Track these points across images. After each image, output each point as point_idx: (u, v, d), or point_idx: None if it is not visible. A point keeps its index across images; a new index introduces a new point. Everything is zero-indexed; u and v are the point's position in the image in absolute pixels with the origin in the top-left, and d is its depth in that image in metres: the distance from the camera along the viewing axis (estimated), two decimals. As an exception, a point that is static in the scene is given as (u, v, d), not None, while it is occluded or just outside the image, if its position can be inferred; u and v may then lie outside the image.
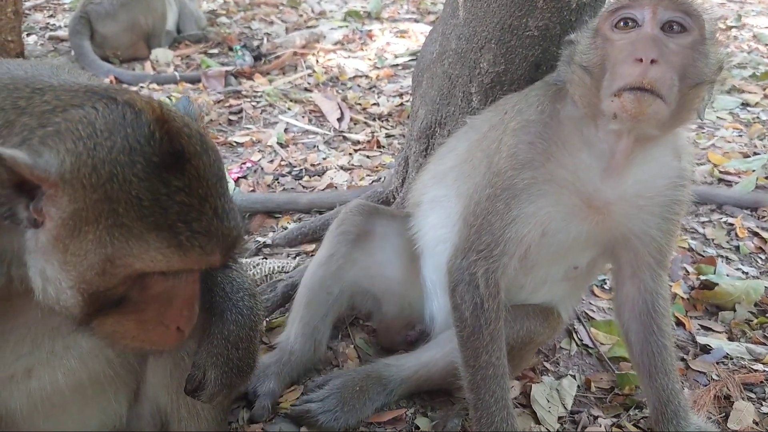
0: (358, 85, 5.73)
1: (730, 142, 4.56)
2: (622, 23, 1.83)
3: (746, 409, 2.36)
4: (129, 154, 1.24)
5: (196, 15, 6.97)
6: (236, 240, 1.39)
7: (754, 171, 4.04)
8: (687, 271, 3.20)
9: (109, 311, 1.34)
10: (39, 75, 1.48)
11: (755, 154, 4.35)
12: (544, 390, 2.45)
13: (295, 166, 4.23)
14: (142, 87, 5.47)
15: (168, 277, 1.36)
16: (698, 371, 2.59)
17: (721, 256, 3.33)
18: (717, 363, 2.62)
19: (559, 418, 2.37)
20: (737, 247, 3.41)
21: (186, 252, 1.29)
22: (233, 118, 4.98)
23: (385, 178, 3.84)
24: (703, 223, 3.61)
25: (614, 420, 2.37)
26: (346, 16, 7.81)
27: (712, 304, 2.99)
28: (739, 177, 4.06)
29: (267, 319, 2.79)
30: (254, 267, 3.07)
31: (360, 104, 5.26)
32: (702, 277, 3.11)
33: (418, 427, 2.31)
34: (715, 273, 3.14)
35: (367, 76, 5.92)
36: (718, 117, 4.96)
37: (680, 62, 1.76)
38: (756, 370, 2.58)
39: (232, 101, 5.24)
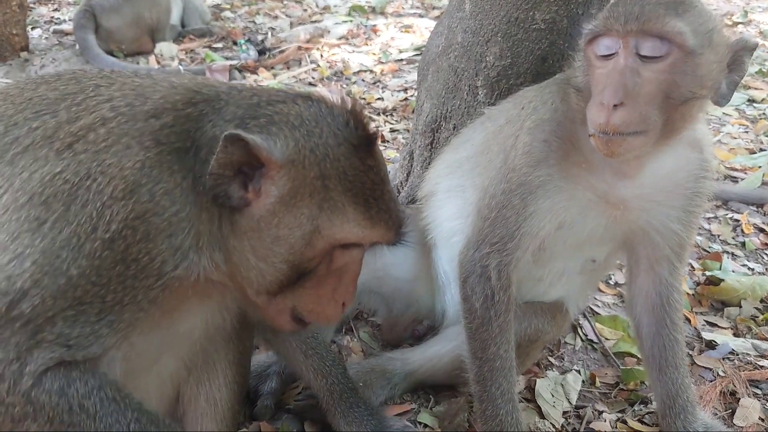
0: (363, 80, 5.72)
1: (736, 138, 4.54)
2: (601, 49, 1.77)
3: (752, 405, 2.35)
4: (335, 138, 1.49)
5: (201, 9, 6.96)
6: (404, 221, 1.61)
7: (760, 167, 4.03)
8: (693, 267, 3.19)
9: (295, 285, 1.52)
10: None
11: (761, 150, 4.33)
12: (548, 385, 2.45)
13: (299, 161, 4.22)
14: (146, 81, 5.46)
15: (350, 251, 1.55)
16: (704, 367, 2.58)
17: (727, 252, 3.32)
18: (722, 359, 2.61)
19: (564, 412, 2.36)
20: (743, 243, 3.39)
21: (374, 225, 1.52)
22: (237, 112, 4.97)
23: (389, 172, 3.84)
24: (708, 219, 3.60)
25: (619, 415, 2.36)
26: (350, 10, 7.80)
27: (717, 300, 2.98)
28: (745, 173, 4.05)
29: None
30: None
31: (364, 99, 5.25)
32: (708, 273, 3.09)
33: (424, 425, 2.30)
34: (720, 269, 3.12)
35: (371, 71, 5.91)
36: (724, 113, 4.93)
37: (658, 88, 1.70)
38: (762, 367, 2.57)
39: (236, 95, 5.22)
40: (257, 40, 6.48)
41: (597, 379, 2.51)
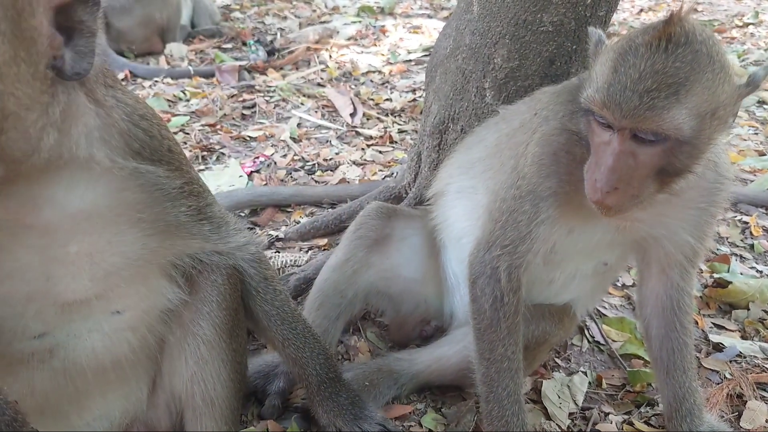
0: (371, 81, 5.73)
1: (745, 140, 4.52)
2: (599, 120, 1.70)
3: (759, 408, 2.35)
4: None
5: (210, 10, 7.00)
6: None
7: (769, 169, 4.01)
8: (700, 269, 3.17)
9: None
10: None
11: (771, 152, 4.32)
12: (555, 386, 2.45)
13: (307, 161, 4.25)
14: (156, 81, 5.51)
15: None
16: (711, 369, 2.57)
17: (735, 255, 3.31)
18: (730, 362, 2.60)
19: (570, 414, 2.36)
20: (752, 246, 3.38)
21: None
22: (246, 112, 5.00)
23: (397, 173, 3.85)
24: (717, 221, 3.58)
25: (625, 417, 2.36)
26: (359, 11, 7.82)
27: (725, 302, 2.97)
28: (755, 175, 4.03)
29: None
30: (267, 260, 3.09)
31: (373, 99, 5.27)
32: (716, 276, 3.09)
33: (428, 430, 2.32)
34: (728, 271, 3.12)
35: (380, 72, 5.93)
36: (733, 115, 4.91)
37: (653, 168, 1.65)
38: (769, 369, 2.57)
39: (245, 96, 5.26)
40: (266, 41, 6.51)
41: (603, 380, 2.52)
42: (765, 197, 3.73)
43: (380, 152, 4.37)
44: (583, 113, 1.75)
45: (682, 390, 2.10)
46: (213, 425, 1.84)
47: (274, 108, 5.08)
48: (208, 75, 5.63)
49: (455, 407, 2.37)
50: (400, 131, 4.72)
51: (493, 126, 2.39)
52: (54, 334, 1.64)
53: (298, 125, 4.77)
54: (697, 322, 2.82)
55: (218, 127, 4.70)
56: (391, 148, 4.44)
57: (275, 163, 4.21)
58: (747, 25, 7.33)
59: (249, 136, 4.58)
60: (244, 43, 6.53)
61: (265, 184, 3.94)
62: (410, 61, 6.22)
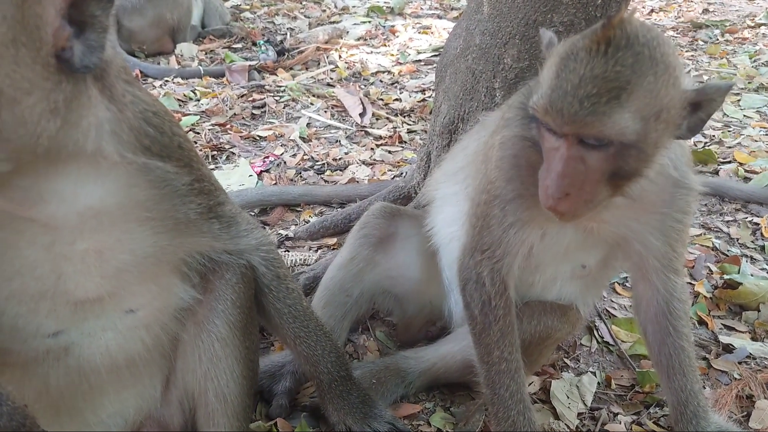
0: (381, 81, 5.75)
1: (756, 141, 4.49)
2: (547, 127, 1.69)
3: (768, 409, 2.34)
4: None
5: (221, 10, 7.03)
6: None
7: (780, 170, 3.98)
8: (710, 270, 3.17)
9: None
10: None
11: (782, 153, 4.29)
12: (563, 386, 2.45)
13: (317, 161, 4.26)
14: (166, 81, 5.54)
15: None
16: (720, 370, 2.57)
17: (746, 256, 3.29)
18: (739, 363, 2.59)
19: (579, 414, 2.36)
20: (762, 247, 3.36)
21: None
22: (256, 112, 5.03)
23: (406, 173, 3.86)
24: (727, 222, 3.57)
25: (634, 417, 2.36)
26: (369, 11, 7.83)
27: (735, 303, 2.96)
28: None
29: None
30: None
31: (382, 99, 5.28)
32: (726, 277, 3.07)
33: (437, 429, 2.32)
34: (739, 272, 3.10)
35: (389, 72, 5.94)
36: (744, 115, 4.89)
37: (602, 169, 1.63)
38: (779, 371, 2.55)
39: (255, 96, 5.28)
40: (276, 41, 6.53)
41: (612, 381, 2.51)
42: (764, 194, 3.71)
43: (389, 152, 4.39)
44: (532, 119, 1.73)
45: (684, 393, 2.10)
46: (225, 422, 1.86)
47: (284, 108, 5.10)
48: (219, 75, 5.66)
49: (464, 406, 2.37)
50: (410, 131, 4.73)
51: (474, 134, 2.41)
52: (68, 332, 1.66)
53: (308, 125, 4.79)
54: (707, 324, 2.82)
55: (228, 126, 4.72)
56: (401, 148, 4.45)
57: (285, 162, 4.23)
58: (759, 25, 7.28)
59: (259, 136, 4.60)
60: (254, 43, 6.55)
61: (275, 184, 3.96)
62: (420, 61, 6.23)
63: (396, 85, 5.68)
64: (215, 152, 4.33)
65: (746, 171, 4.04)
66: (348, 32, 6.94)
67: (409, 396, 2.41)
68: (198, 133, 4.57)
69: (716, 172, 4.06)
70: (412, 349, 2.51)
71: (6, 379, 1.59)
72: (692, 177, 1.93)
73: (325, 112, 5.04)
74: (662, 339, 2.10)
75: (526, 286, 2.20)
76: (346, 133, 4.69)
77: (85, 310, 1.63)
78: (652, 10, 8.21)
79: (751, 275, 3.08)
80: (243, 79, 5.56)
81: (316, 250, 3.30)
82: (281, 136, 4.61)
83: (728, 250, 3.34)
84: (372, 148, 4.43)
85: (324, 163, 4.22)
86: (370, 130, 4.73)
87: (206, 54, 6.40)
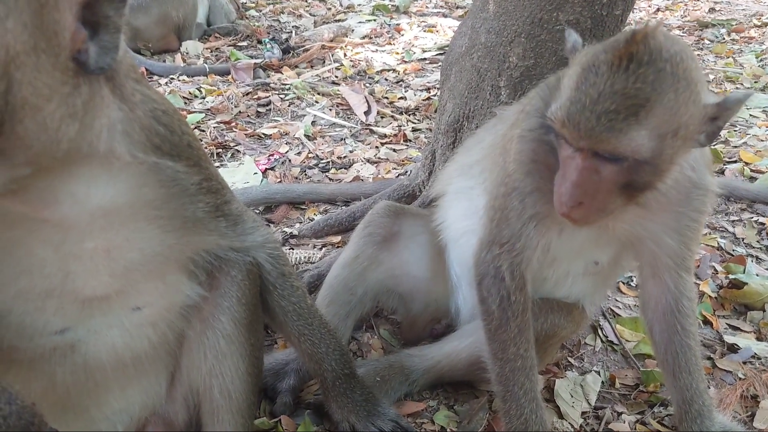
0: (386, 79, 5.75)
1: (762, 140, 4.48)
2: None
3: (773, 409, 2.34)
4: None
5: (226, 8, 7.04)
6: None
7: (787, 170, 3.97)
8: (716, 270, 3.16)
9: None
10: None
11: (789, 153, 4.27)
12: (567, 385, 2.45)
13: (322, 159, 4.27)
14: (172, 79, 5.55)
15: None
16: (725, 370, 2.56)
17: (751, 256, 3.28)
18: (744, 362, 2.59)
19: (583, 413, 2.36)
20: (767, 247, 3.36)
21: None
22: (261, 110, 5.03)
23: (411, 171, 3.86)
24: (733, 221, 3.57)
25: (638, 417, 2.36)
26: (374, 10, 7.83)
27: (740, 303, 2.95)
28: (773, 176, 3.99)
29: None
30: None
31: (387, 98, 5.28)
32: (731, 276, 3.07)
33: (441, 427, 2.32)
34: (744, 272, 3.09)
35: (394, 70, 5.94)
36: (751, 115, 4.87)
37: (616, 181, 1.64)
38: (784, 371, 2.55)
39: (260, 93, 5.29)
40: (281, 39, 6.53)
41: (617, 380, 2.51)
42: None
43: (394, 150, 4.39)
44: (549, 129, 1.74)
45: (689, 392, 2.09)
46: (230, 418, 1.86)
47: (289, 106, 5.11)
48: (224, 73, 5.67)
49: (468, 405, 2.37)
50: (414, 130, 4.73)
51: (491, 127, 2.40)
52: (75, 329, 1.66)
53: (313, 123, 4.79)
54: (712, 323, 2.81)
55: (233, 124, 4.73)
56: (405, 147, 4.45)
57: (290, 160, 4.23)
58: (765, 24, 7.26)
59: (264, 134, 4.61)
60: (260, 41, 6.56)
61: (280, 182, 3.97)
62: (425, 59, 6.22)
63: (401, 83, 5.68)
64: (220, 150, 4.33)
65: (752, 171, 4.04)
66: (353, 30, 6.95)
67: (413, 394, 2.41)
68: (203, 131, 4.58)
69: (722, 172, 4.05)
70: (416, 347, 2.50)
71: (12, 376, 1.60)
72: (709, 179, 1.93)
73: (330, 110, 5.04)
74: (669, 337, 2.10)
75: (539, 281, 2.19)
76: (350, 131, 4.69)
77: (92, 308, 1.64)
78: (658, 9, 8.19)
79: (757, 275, 3.08)
80: (248, 77, 5.56)
81: (321, 248, 3.30)
82: (286, 134, 4.61)
83: (733, 250, 3.33)
84: (377, 147, 4.44)
85: (329, 162, 4.22)
86: (374, 128, 4.73)
87: (211, 52, 6.41)
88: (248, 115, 4.92)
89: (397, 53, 6.36)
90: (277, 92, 5.33)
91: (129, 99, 1.46)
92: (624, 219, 1.92)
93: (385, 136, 4.61)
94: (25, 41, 1.15)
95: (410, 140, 4.56)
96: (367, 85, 5.55)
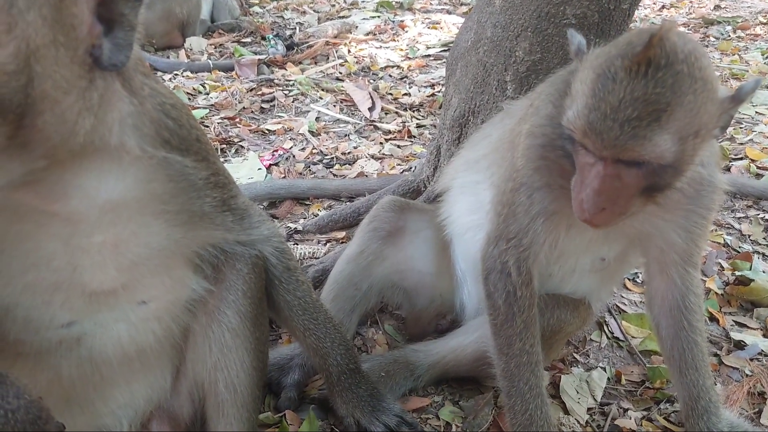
0: (390, 75, 5.73)
1: (768, 137, 4.46)
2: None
3: (780, 406, 2.32)
4: None
5: (230, 4, 7.04)
6: None
7: (793, 167, 3.95)
8: (722, 267, 3.15)
9: None
10: None
11: (795, 149, 4.25)
12: (573, 381, 2.44)
13: (326, 155, 4.26)
14: (176, 75, 5.55)
15: None
16: (732, 367, 2.55)
17: (758, 253, 3.27)
18: (751, 359, 2.58)
19: (589, 409, 2.35)
20: (774, 244, 3.35)
21: None
22: (265, 106, 5.03)
23: (415, 167, 3.85)
24: (739, 218, 3.55)
25: (644, 413, 2.35)
26: (378, 6, 7.82)
27: (747, 300, 2.94)
28: (779, 172, 3.98)
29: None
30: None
31: (391, 94, 5.27)
32: (737, 273, 3.05)
33: (445, 422, 2.31)
34: (750, 269, 3.08)
35: (398, 67, 5.93)
36: (757, 112, 4.85)
37: (638, 185, 1.63)
38: (791, 368, 2.53)
39: (264, 90, 5.28)
40: (285, 35, 6.52)
41: (623, 376, 2.50)
42: None
43: (398, 146, 4.38)
44: (566, 138, 1.71)
45: (696, 389, 2.09)
46: (235, 412, 1.86)
47: (293, 102, 5.10)
48: (228, 69, 5.66)
49: (473, 400, 2.37)
50: (419, 126, 4.72)
51: (498, 122, 2.39)
52: (81, 323, 1.66)
53: (317, 119, 4.78)
54: (718, 320, 2.80)
55: (237, 120, 4.73)
56: (410, 143, 4.44)
57: (294, 156, 4.23)
58: (772, 22, 7.23)
59: (268, 130, 4.60)
60: (264, 38, 6.55)
61: (284, 177, 3.96)
62: (429, 56, 6.21)
63: (405, 79, 5.67)
64: (224, 146, 4.33)
65: (758, 168, 4.02)
66: (357, 27, 6.93)
67: (418, 389, 2.41)
68: (207, 127, 4.57)
69: (728, 169, 4.03)
70: (421, 342, 2.50)
71: (18, 369, 1.59)
72: (719, 176, 1.92)
73: (334, 106, 5.03)
74: (676, 333, 2.09)
75: (545, 277, 2.18)
76: (355, 127, 4.68)
77: (98, 302, 1.64)
78: (663, 6, 8.16)
79: (763, 272, 3.06)
80: (252, 73, 5.56)
81: (325, 244, 3.30)
82: (290, 129, 4.60)
83: (740, 247, 3.31)
84: (381, 143, 4.43)
85: (333, 157, 4.21)
86: (379, 124, 4.72)
87: (215, 48, 6.41)
88: (252, 111, 4.91)
89: (401, 50, 6.35)
90: (281, 88, 5.33)
91: (138, 92, 1.46)
92: (635, 216, 1.92)
93: (389, 132, 4.60)
94: (45, 34, 1.16)
95: (414, 136, 4.55)
96: (371, 81, 5.54)
